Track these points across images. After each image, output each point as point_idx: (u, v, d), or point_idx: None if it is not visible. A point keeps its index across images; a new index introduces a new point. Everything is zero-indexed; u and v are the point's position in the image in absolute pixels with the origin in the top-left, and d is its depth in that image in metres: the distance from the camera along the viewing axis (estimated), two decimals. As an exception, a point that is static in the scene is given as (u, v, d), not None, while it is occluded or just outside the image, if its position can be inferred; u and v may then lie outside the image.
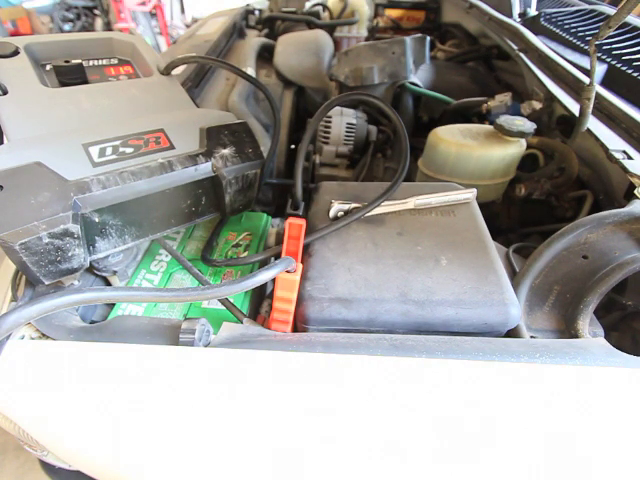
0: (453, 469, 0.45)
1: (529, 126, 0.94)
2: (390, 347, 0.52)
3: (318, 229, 0.68)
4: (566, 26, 1.40)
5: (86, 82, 0.75)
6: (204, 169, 0.64)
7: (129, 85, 0.77)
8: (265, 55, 1.65)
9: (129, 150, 0.62)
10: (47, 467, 0.77)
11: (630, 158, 0.78)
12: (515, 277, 0.67)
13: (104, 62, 0.84)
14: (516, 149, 0.95)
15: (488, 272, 0.61)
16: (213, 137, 0.68)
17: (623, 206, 0.71)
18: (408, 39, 1.33)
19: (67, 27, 4.98)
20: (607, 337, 0.57)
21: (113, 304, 0.67)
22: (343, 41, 2.24)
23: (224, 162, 0.66)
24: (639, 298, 0.71)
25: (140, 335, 0.54)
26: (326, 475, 0.46)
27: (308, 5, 2.17)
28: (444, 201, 0.74)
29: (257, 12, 2.07)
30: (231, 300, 0.66)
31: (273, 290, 0.59)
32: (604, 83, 1.12)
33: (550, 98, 1.04)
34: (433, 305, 0.58)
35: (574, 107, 0.94)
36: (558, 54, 1.19)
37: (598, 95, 0.95)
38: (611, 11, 1.41)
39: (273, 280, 0.56)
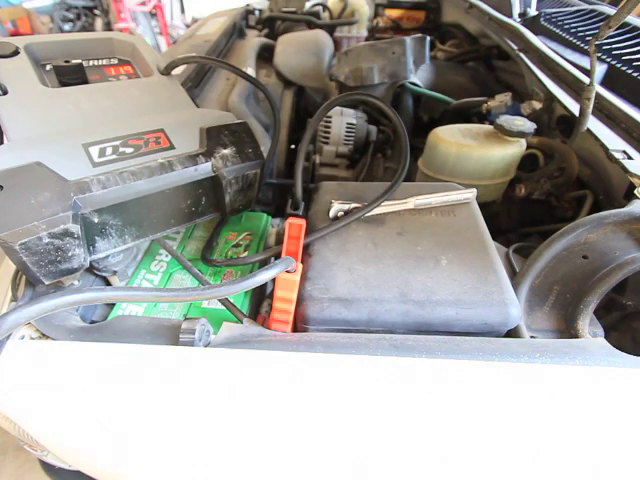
0: (453, 469, 0.45)
1: (529, 126, 0.94)
2: (390, 347, 0.52)
3: (318, 229, 0.68)
4: (566, 26, 1.40)
5: (86, 82, 0.75)
6: (204, 169, 0.64)
7: (129, 85, 0.77)
8: (265, 55, 1.65)
9: (129, 150, 0.62)
10: (47, 467, 0.77)
11: (630, 158, 0.78)
12: (515, 277, 0.67)
13: (104, 62, 0.84)
14: (516, 149, 0.95)
15: (488, 272, 0.61)
16: (213, 137, 0.68)
17: (623, 206, 0.71)
18: (408, 39, 1.33)
19: (67, 27, 4.97)
20: (607, 337, 0.57)
21: (113, 304, 0.67)
22: (343, 41, 2.24)
23: (224, 162, 0.66)
24: (639, 298, 0.71)
25: (140, 335, 0.54)
26: (326, 475, 0.46)
27: (308, 5, 2.17)
28: (444, 201, 0.74)
29: (257, 12, 2.07)
30: (231, 300, 0.66)
31: (273, 290, 0.59)
32: (604, 83, 1.12)
33: (550, 98, 1.04)
34: (433, 305, 0.58)
35: (574, 107, 0.94)
36: (558, 54, 1.19)
37: (598, 95, 0.95)
38: (611, 11, 1.41)
39: (273, 280, 0.56)
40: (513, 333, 0.60)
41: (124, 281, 0.71)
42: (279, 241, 0.82)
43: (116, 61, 0.85)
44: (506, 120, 0.96)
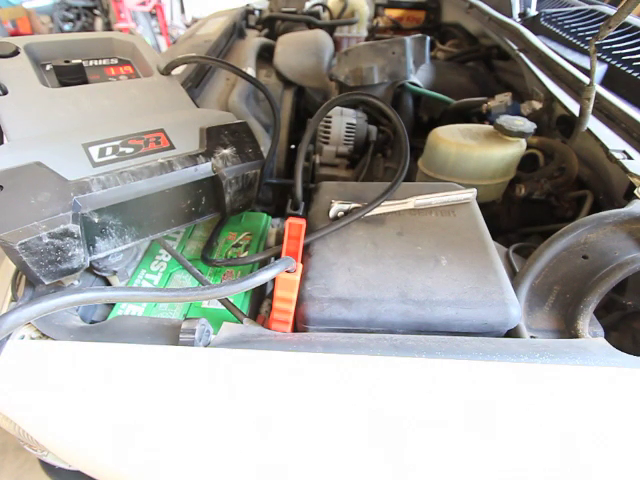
0: (453, 469, 0.45)
1: (529, 126, 0.94)
2: (390, 347, 0.52)
3: (318, 229, 0.68)
4: (566, 26, 1.40)
5: (86, 82, 0.75)
6: (204, 169, 0.64)
7: (129, 85, 0.77)
8: (265, 55, 1.65)
9: (129, 150, 0.62)
10: (47, 467, 0.77)
11: (630, 158, 0.78)
12: (515, 277, 0.67)
13: (104, 62, 0.84)
14: (516, 149, 0.95)
15: (488, 272, 0.61)
16: (213, 137, 0.68)
17: (623, 206, 0.71)
18: (408, 39, 1.33)
19: (67, 27, 4.97)
20: (607, 337, 0.57)
21: (113, 304, 0.67)
22: (343, 41, 2.24)
23: (224, 162, 0.66)
24: (639, 298, 0.71)
25: (140, 335, 0.54)
26: (325, 475, 0.46)
27: (308, 5, 2.17)
28: (444, 201, 0.74)
29: (257, 12, 2.07)
30: (231, 300, 0.66)
31: (273, 290, 0.59)
32: (604, 83, 1.12)
33: (550, 98, 1.04)
34: (433, 305, 0.58)
35: (574, 107, 0.94)
36: (558, 54, 1.19)
37: (598, 95, 0.95)
38: (611, 11, 1.41)
39: (273, 280, 0.56)
40: (513, 333, 0.60)
41: (124, 281, 0.71)
42: (279, 241, 0.82)
43: (116, 61, 0.85)
44: (506, 120, 0.96)
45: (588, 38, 1.29)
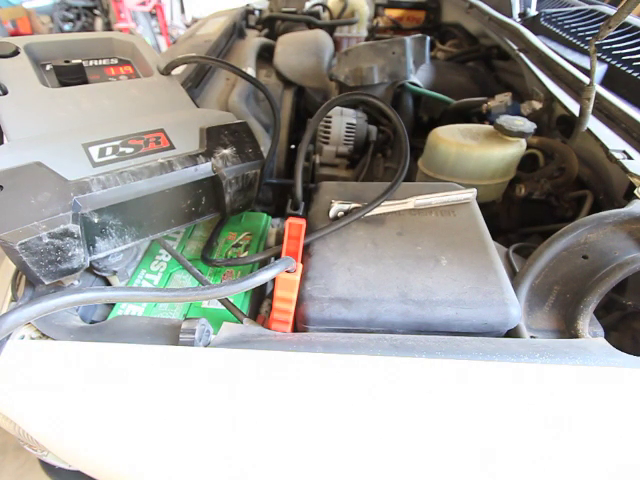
0: (452, 469, 0.45)
1: (529, 126, 0.94)
2: (390, 347, 0.52)
3: (318, 229, 0.68)
4: (566, 26, 1.40)
5: (86, 82, 0.75)
6: (204, 169, 0.64)
7: (129, 85, 0.77)
8: (265, 55, 1.65)
9: (129, 150, 0.62)
10: (47, 467, 0.77)
11: (630, 158, 0.78)
12: (515, 277, 0.67)
13: (104, 62, 0.84)
14: (516, 149, 0.95)
15: (488, 272, 0.61)
16: (213, 137, 0.68)
17: (623, 206, 0.71)
18: (408, 39, 1.33)
19: (67, 27, 4.97)
20: (607, 337, 0.57)
21: (113, 304, 0.67)
22: (343, 41, 2.24)
23: (224, 162, 0.66)
24: (639, 298, 0.71)
25: (140, 335, 0.54)
26: (326, 475, 0.46)
27: (308, 5, 2.17)
28: (444, 201, 0.74)
29: (257, 12, 2.07)
30: (231, 300, 0.66)
31: (273, 290, 0.59)
32: (604, 83, 1.12)
33: (550, 98, 1.04)
34: (433, 305, 0.58)
35: (574, 107, 0.94)
36: (558, 54, 1.19)
37: (598, 95, 0.95)
38: (611, 11, 1.41)
39: (273, 280, 0.56)
40: (513, 333, 0.60)
41: (124, 281, 0.71)
42: (279, 241, 0.82)
43: (116, 61, 0.85)
44: (506, 120, 0.96)
45: (588, 38, 1.29)
